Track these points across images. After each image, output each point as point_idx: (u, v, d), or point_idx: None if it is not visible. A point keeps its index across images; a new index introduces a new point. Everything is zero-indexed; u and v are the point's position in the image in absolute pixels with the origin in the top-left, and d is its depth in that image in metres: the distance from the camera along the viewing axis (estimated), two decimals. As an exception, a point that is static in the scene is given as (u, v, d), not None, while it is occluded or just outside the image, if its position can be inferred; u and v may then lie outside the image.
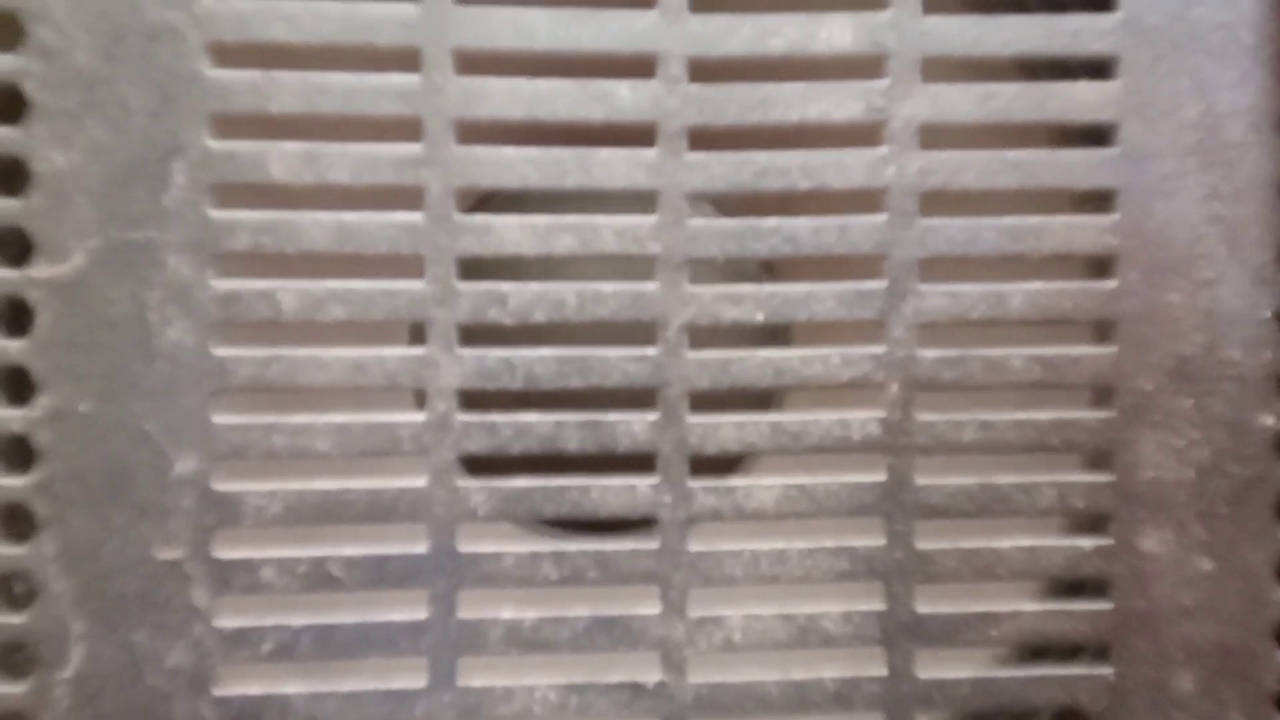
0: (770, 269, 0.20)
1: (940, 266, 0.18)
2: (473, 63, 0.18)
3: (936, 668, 0.18)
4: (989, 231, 0.18)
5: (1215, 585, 0.18)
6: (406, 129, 0.18)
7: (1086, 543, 0.18)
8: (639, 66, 0.18)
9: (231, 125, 0.18)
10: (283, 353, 0.18)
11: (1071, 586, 0.19)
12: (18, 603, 0.17)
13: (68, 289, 0.17)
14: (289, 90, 0.17)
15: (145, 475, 0.17)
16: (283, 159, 0.17)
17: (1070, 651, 0.19)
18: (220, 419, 0.17)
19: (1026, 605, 0.18)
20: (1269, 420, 0.18)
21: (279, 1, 0.17)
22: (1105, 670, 0.18)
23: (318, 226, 0.17)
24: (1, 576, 0.17)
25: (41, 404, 0.17)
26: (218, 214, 0.17)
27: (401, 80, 0.17)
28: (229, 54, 0.17)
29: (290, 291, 0.17)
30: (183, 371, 0.17)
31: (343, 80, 0.17)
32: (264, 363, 0.17)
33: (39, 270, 0.17)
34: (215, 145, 0.17)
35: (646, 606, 0.18)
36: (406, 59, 0.18)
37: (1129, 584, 0.18)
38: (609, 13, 0.18)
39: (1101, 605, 0.18)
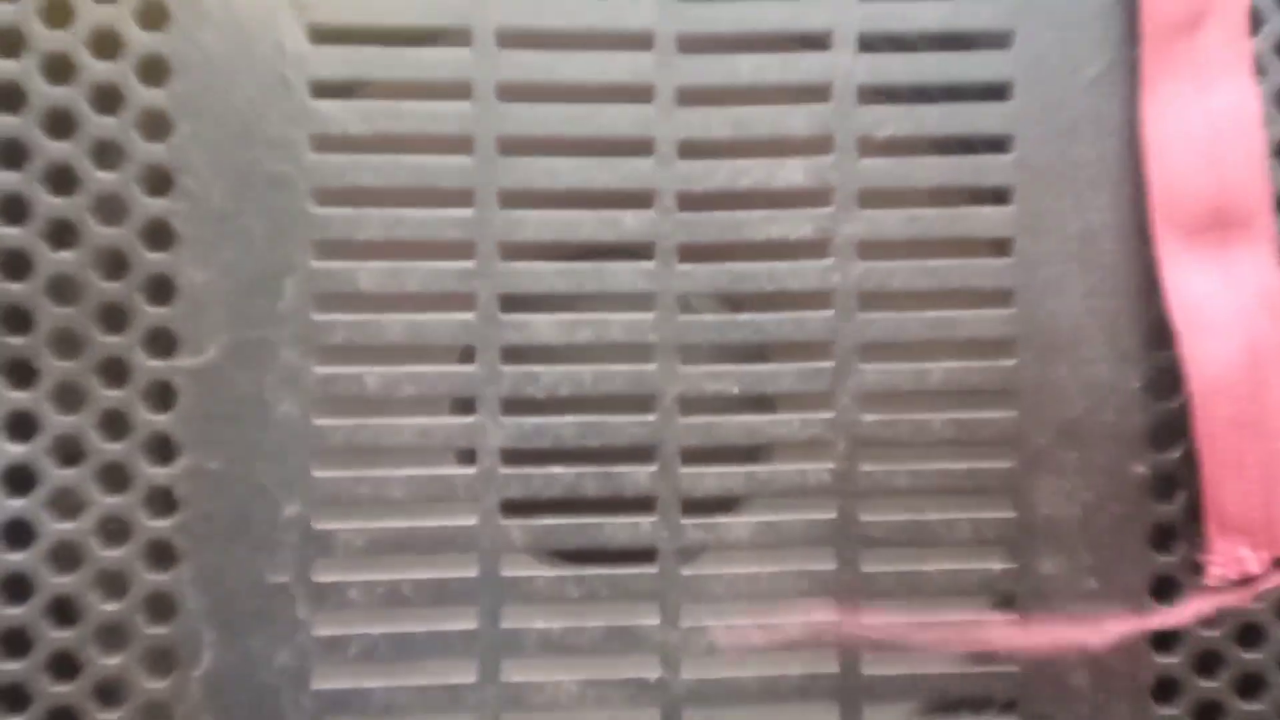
0: (749, 349, 0.22)
1: (877, 349, 0.22)
2: (514, 197, 0.21)
3: (879, 666, 0.21)
4: (914, 323, 0.21)
5: (1101, 600, 0.21)
6: (462, 249, 0.21)
7: (997, 566, 0.21)
8: (640, 199, 0.21)
9: (330, 248, 0.21)
10: (367, 422, 0.21)
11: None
12: (163, 616, 0.20)
13: (203, 375, 0.20)
14: (373, 223, 0.21)
15: (260, 518, 0.20)
16: (369, 274, 0.21)
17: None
18: (319, 473, 0.20)
19: (948, 616, 0.21)
20: (1140, 469, 0.21)
21: (366, 156, 0.21)
22: (1013, 668, 0.21)
23: (395, 325, 0.21)
24: (150, 597, 0.20)
25: (181, 463, 0.20)
26: (319, 316, 0.20)
27: (459, 213, 0.21)
28: (329, 195, 0.21)
29: (374, 374, 0.21)
30: (290, 437, 0.20)
31: (414, 214, 0.21)
32: (352, 430, 0.21)
33: (181, 360, 0.20)
34: (318, 265, 0.21)
35: (648, 618, 0.21)
36: (463, 196, 0.21)
37: (1032, 600, 0.21)
38: (617, 160, 0.21)
39: (1010, 617, 0.21)
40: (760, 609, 0.21)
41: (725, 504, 0.22)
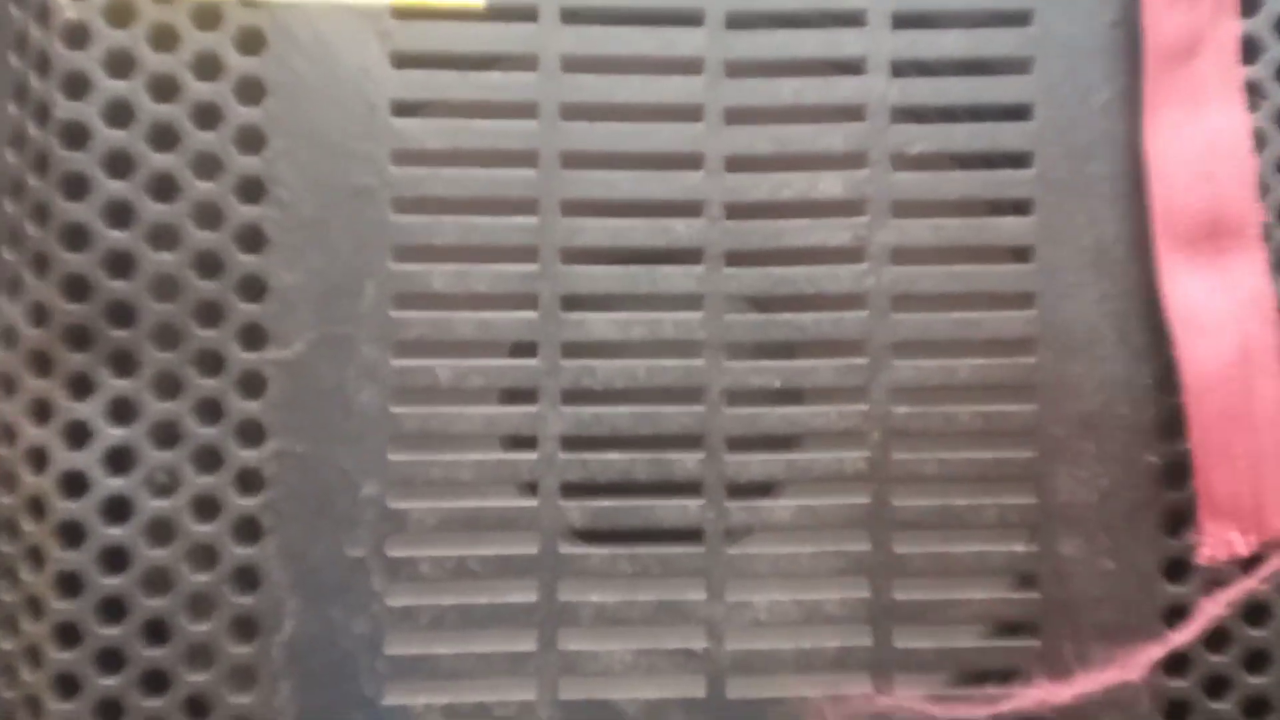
0: (790, 348, 0.23)
1: (908, 347, 0.22)
2: (574, 206, 0.22)
3: (910, 640, 0.22)
4: (942, 323, 0.22)
5: (1117, 580, 0.22)
6: (527, 253, 0.22)
7: (1020, 547, 0.22)
8: (690, 208, 0.22)
9: (407, 253, 0.21)
10: (439, 410, 0.21)
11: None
12: (249, 587, 0.21)
13: (291, 366, 0.21)
14: (446, 229, 0.22)
15: (341, 497, 0.21)
16: (442, 276, 0.21)
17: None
18: (395, 457, 0.21)
19: (978, 594, 0.22)
20: (1152, 458, 0.22)
21: (441, 169, 0.22)
22: (1034, 643, 0.22)
23: (465, 322, 0.21)
24: (237, 569, 0.21)
25: (270, 446, 0.21)
26: (397, 314, 0.21)
27: (524, 221, 0.22)
28: (406, 205, 0.22)
29: (445, 367, 0.21)
30: (369, 424, 0.21)
31: (483, 222, 0.22)
32: (425, 418, 0.21)
33: (271, 353, 0.21)
34: (396, 267, 0.21)
35: (695, 594, 0.21)
36: (528, 205, 0.22)
37: (1052, 579, 0.22)
38: (669, 173, 0.22)
39: (1032, 595, 0.22)
40: (800, 585, 0.22)
41: (767, 488, 0.22)
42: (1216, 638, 0.22)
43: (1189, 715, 0.22)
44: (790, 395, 0.23)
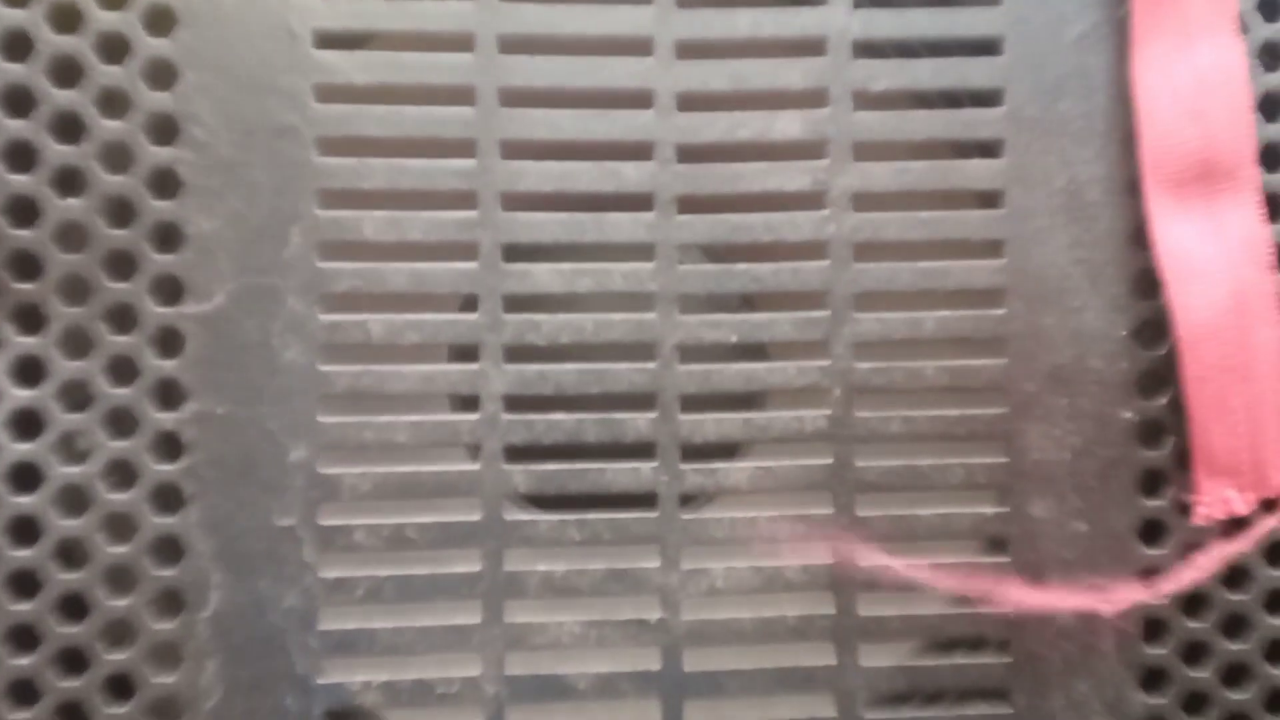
0: (747, 300, 0.22)
1: (871, 299, 0.21)
2: (515, 148, 0.20)
3: (875, 607, 0.20)
4: (906, 273, 0.21)
5: (1089, 543, 0.21)
6: (465, 199, 0.20)
7: (989, 509, 0.21)
8: (639, 150, 0.20)
9: (335, 197, 0.20)
10: (371, 368, 0.19)
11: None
12: (171, 560, 0.19)
13: (210, 321, 0.19)
14: (377, 172, 0.20)
15: (267, 462, 0.19)
16: (372, 223, 0.20)
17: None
18: (325, 418, 0.19)
19: (945, 558, 0.20)
20: (1127, 414, 0.21)
21: (370, 107, 0.20)
22: (1005, 610, 0.20)
23: (398, 273, 0.20)
24: (157, 540, 0.19)
25: (189, 408, 0.19)
26: (324, 265, 0.19)
27: (461, 164, 0.20)
28: (333, 145, 0.20)
29: (377, 322, 0.19)
30: (296, 383, 0.19)
31: (417, 164, 0.20)
32: (357, 376, 0.19)
33: (189, 307, 0.19)
34: (323, 213, 0.19)
35: (649, 561, 0.20)
36: (465, 147, 0.20)
37: (1022, 542, 0.21)
38: (617, 112, 0.20)
39: (1002, 559, 0.21)
40: (758, 552, 0.20)
41: (724, 450, 0.21)
42: (1194, 602, 0.21)
43: (1166, 682, 0.21)
44: (748, 350, 0.21)
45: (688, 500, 0.21)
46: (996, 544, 0.21)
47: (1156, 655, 0.21)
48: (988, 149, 0.21)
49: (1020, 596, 0.20)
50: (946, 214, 0.21)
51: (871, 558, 0.20)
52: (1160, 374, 0.21)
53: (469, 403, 0.20)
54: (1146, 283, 0.21)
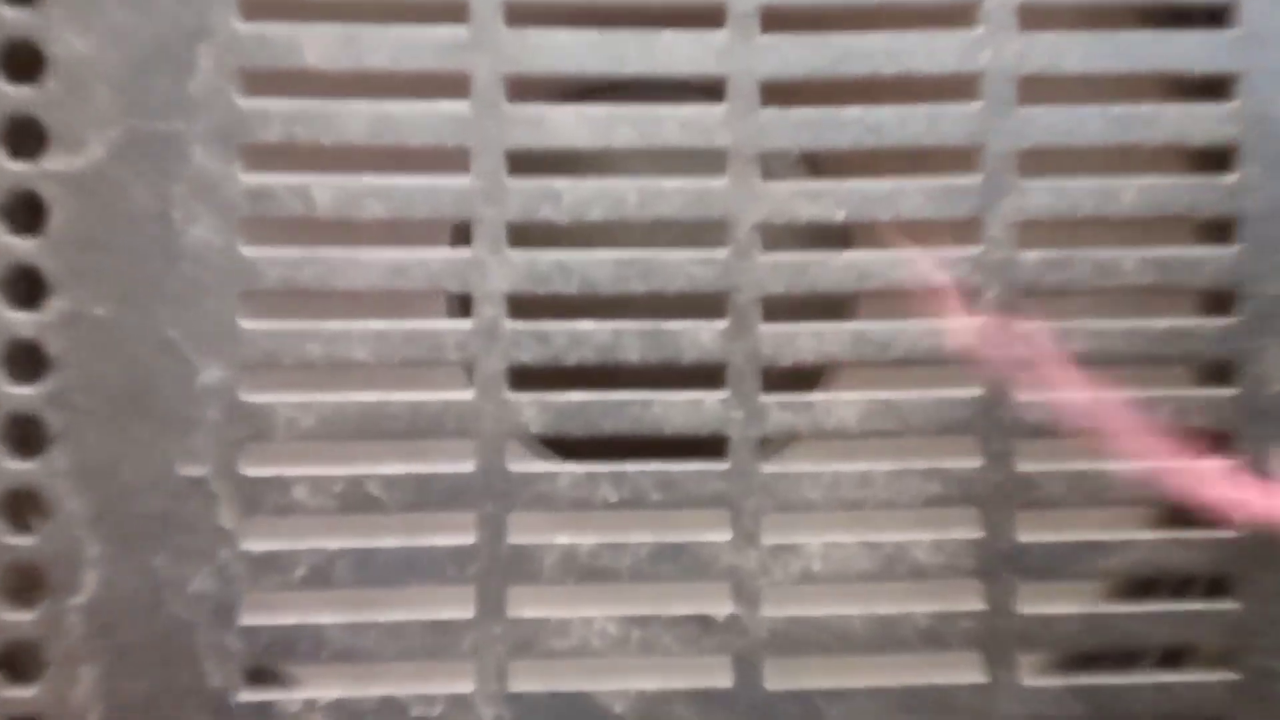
0: (857, 160, 0.15)
1: (1041, 158, 0.15)
2: None
3: (1039, 602, 0.14)
4: (1095, 120, 0.14)
5: None
6: (452, 12, 0.14)
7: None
8: None
9: (263, 7, 0.14)
10: (317, 253, 0.14)
11: (1181, 516, 0.16)
12: (27, 524, 0.14)
13: (84, 183, 0.14)
14: None
15: (167, 385, 0.14)
16: (318, 42, 0.14)
17: (1178, 586, 0.16)
18: (249, 324, 0.14)
19: (1142, 534, 0.15)
20: None
21: None
22: (1230, 605, 0.14)
23: (355, 117, 0.14)
24: (9, 494, 0.14)
25: (54, 307, 0.14)
26: (247, 103, 0.14)
27: None
28: None
29: (325, 187, 0.14)
30: (209, 273, 0.14)
31: None
32: (296, 264, 0.14)
33: (53, 163, 0.14)
34: (245, 28, 0.14)
35: (715, 533, 0.15)
36: None
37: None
38: None
39: (1225, 534, 0.14)
40: (872, 522, 0.15)
41: (822, 376, 0.16)
42: None
43: None
44: (858, 235, 0.15)
45: (770, 446, 0.15)
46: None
47: None
48: None
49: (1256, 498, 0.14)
50: (1153, 34, 0.15)
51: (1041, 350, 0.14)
52: None
53: (459, 305, 0.15)
54: None
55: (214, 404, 0.14)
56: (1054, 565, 0.15)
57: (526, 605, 0.14)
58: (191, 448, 0.14)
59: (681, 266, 0.15)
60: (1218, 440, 0.15)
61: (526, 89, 0.15)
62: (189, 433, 0.14)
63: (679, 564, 0.14)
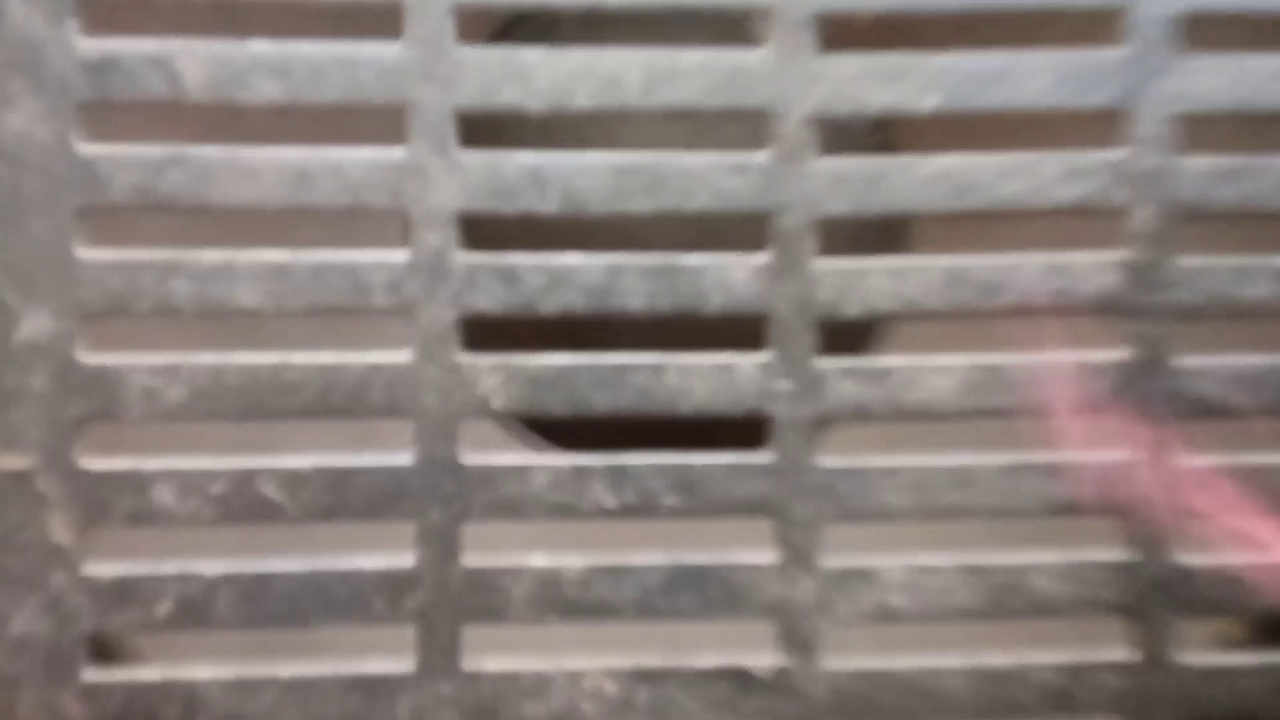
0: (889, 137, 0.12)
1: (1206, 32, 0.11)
2: None
3: (1204, 648, 0.11)
4: None
5: None
6: None
7: None
8: None
9: None
10: (186, 152, 0.11)
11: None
12: None
13: None
14: None
15: None
16: None
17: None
18: (90, 253, 0.11)
19: None
20: None
21: None
22: None
23: None
24: None
25: None
26: None
27: None
28: None
29: (197, 56, 0.10)
30: (32, 178, 0.11)
31: None
32: (157, 167, 0.11)
33: None
34: None
35: (754, 552, 0.11)
36: None
37: None
38: None
39: None
40: (973, 536, 0.11)
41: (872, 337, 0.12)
42: None
43: None
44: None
45: (824, 423, 0.11)
46: None
47: None
48: None
49: None
50: None
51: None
52: None
53: (386, 218, 0.11)
54: None
55: (40, 367, 0.10)
56: (1224, 596, 0.10)
57: (488, 654, 0.11)
58: (9, 430, 0.10)
59: (704, 176, 0.11)
60: None
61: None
62: (4, 408, 0.10)
63: (704, 595, 0.11)
